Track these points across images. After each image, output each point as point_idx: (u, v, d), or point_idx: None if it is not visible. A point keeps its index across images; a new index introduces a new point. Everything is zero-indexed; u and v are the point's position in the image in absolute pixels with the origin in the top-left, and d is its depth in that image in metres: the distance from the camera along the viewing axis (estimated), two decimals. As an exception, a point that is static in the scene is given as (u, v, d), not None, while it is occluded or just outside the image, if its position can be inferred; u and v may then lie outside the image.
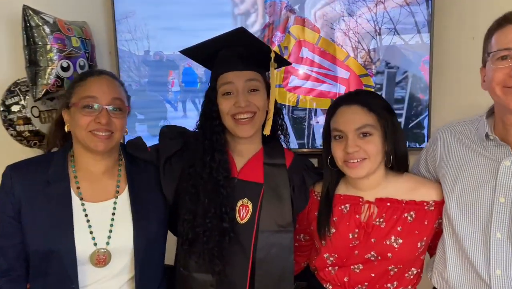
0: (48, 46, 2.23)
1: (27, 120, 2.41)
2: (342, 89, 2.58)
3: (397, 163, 1.68)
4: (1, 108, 2.42)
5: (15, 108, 2.40)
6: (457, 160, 1.65)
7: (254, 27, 2.52)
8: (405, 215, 1.65)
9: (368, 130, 1.61)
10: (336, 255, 1.67)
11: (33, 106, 2.42)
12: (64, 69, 2.28)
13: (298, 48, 2.55)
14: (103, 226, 1.57)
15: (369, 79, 2.56)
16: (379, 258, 1.63)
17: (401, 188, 1.68)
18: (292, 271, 1.69)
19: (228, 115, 1.63)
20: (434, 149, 1.75)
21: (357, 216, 1.66)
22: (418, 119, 2.58)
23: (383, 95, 2.57)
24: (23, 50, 2.21)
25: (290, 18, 2.53)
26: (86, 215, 1.56)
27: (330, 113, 1.69)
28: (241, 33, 1.62)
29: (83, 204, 1.57)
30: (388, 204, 1.66)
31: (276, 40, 2.54)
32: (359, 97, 1.69)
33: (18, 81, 2.44)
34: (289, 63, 1.90)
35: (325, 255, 1.68)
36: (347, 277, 1.67)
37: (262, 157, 1.74)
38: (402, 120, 2.57)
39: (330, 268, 1.70)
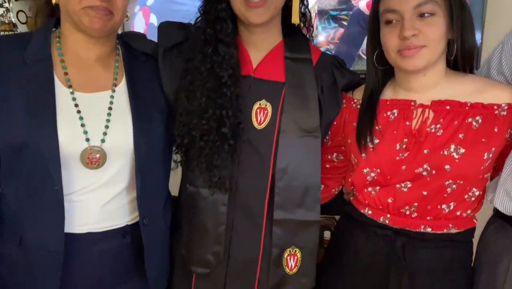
0: None
1: (12, 26, 2.14)
2: None
3: (462, 57, 1.33)
4: (-15, 12, 2.17)
5: None
6: None
7: None
8: (469, 120, 1.29)
9: (430, 9, 1.26)
10: (378, 170, 1.36)
11: (19, 11, 2.08)
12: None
13: None
14: (98, 121, 1.31)
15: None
16: (434, 172, 1.29)
17: (465, 90, 1.32)
18: (319, 183, 1.41)
19: None
20: (509, 45, 1.36)
21: (408, 123, 1.33)
22: None
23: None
24: None
25: None
26: (76, 105, 1.28)
27: None
28: None
29: (72, 93, 1.29)
30: (448, 107, 1.31)
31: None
32: None
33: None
34: None
35: (364, 170, 1.38)
36: (391, 198, 1.36)
37: (283, 51, 1.46)
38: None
39: (370, 189, 1.39)
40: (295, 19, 1.39)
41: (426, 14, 1.26)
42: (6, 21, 2.14)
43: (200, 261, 1.45)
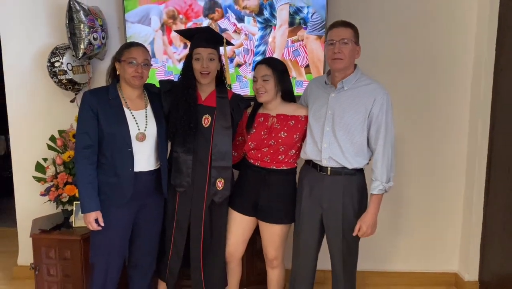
0: (82, 25, 3.49)
1: (64, 72, 3.50)
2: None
3: (286, 96, 3.22)
4: (48, 64, 3.61)
5: (57, 64, 3.52)
6: (314, 94, 3.16)
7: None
8: (289, 122, 3.17)
9: (267, 78, 3.08)
10: (255, 143, 3.19)
11: (68, 63, 3.51)
12: (94, 39, 3.59)
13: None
14: (142, 121, 2.92)
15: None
16: (275, 143, 3.15)
17: (289, 109, 3.19)
18: (231, 151, 3.13)
19: (198, 72, 2.98)
20: (307, 90, 3.30)
21: (266, 123, 3.19)
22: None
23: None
24: (65, 27, 3.52)
25: None
26: (133, 115, 2.89)
27: (255, 68, 3.19)
28: (208, 28, 3.14)
29: (130, 111, 2.90)
30: (282, 116, 3.18)
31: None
32: (267, 60, 3.22)
33: (58, 46, 3.59)
34: (233, 44, 3.49)
35: (249, 143, 3.21)
36: (260, 154, 3.21)
37: (215, 93, 3.11)
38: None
39: (252, 151, 3.23)
40: (228, 81, 3.22)
41: (266, 80, 3.10)
42: (61, 70, 3.60)
43: (180, 185, 3.10)
